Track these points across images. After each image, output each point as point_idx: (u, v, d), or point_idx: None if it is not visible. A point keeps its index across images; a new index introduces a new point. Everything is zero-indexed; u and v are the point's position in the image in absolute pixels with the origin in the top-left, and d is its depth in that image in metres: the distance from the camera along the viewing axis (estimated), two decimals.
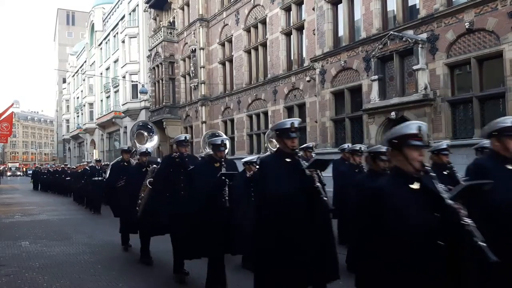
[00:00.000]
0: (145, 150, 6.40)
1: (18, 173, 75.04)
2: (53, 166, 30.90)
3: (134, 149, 7.75)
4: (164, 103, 26.82)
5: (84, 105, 46.40)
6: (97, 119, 41.67)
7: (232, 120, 22.25)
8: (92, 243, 7.84)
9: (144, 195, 5.91)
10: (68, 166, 24.58)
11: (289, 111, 18.33)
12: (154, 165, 6.01)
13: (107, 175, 8.59)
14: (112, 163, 8.60)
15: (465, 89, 11.15)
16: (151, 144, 7.10)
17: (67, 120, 57.01)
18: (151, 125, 7.66)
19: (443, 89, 11.33)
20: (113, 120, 35.80)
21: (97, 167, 14.07)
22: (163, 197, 5.26)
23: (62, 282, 5.23)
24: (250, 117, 20.79)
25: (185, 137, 5.37)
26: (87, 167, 15.17)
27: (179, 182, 5.10)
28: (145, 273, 5.58)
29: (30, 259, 6.54)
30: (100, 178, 13.20)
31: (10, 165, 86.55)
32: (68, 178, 19.92)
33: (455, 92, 11.37)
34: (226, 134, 22.98)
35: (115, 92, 37.40)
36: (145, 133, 7.29)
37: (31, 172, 71.89)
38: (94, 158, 39.57)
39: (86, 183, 14.01)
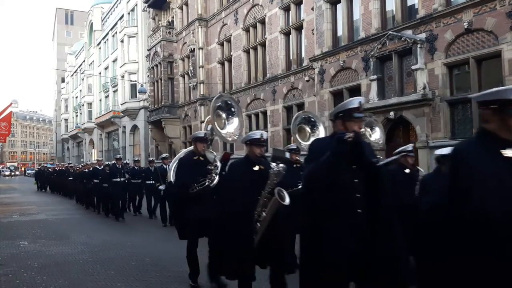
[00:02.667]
0: (259, 137, 4.00)
1: (17, 172, 74.65)
2: (60, 165, 28.49)
3: (212, 136, 5.16)
4: (163, 103, 26.81)
5: (83, 105, 46.38)
6: (96, 118, 41.66)
7: None
8: (90, 243, 7.83)
9: (268, 214, 3.59)
10: (72, 165, 22.03)
11: (288, 110, 18.34)
12: (281, 165, 3.64)
13: (172, 175, 5.47)
14: (179, 155, 5.61)
15: (464, 89, 11.17)
16: (231, 129, 4.96)
17: (66, 120, 56.97)
18: (234, 103, 5.17)
19: (442, 89, 11.34)
20: (112, 119, 35.80)
21: (117, 165, 12.10)
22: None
23: (61, 281, 5.22)
24: (249, 116, 20.78)
25: (360, 102, 2.92)
26: (97, 166, 13.28)
27: (352, 190, 2.75)
28: (143, 273, 5.57)
29: (29, 259, 6.52)
30: (122, 179, 11.66)
31: (8, 164, 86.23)
32: (71, 178, 18.18)
33: (453, 92, 11.39)
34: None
35: (114, 91, 37.38)
36: (223, 114, 4.99)
37: (30, 171, 71.93)
38: (95, 156, 39.58)
39: (100, 184, 12.15)
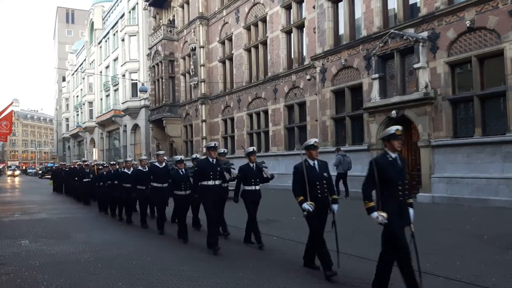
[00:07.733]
0: None
1: (18, 172, 74.52)
2: (74, 162, 22.98)
3: None
4: (164, 102, 26.80)
5: (84, 104, 46.40)
6: (96, 117, 41.68)
7: (232, 119, 22.22)
8: (92, 242, 7.81)
9: None
10: (87, 163, 17.05)
11: (290, 109, 18.31)
12: None
13: None
14: None
15: (466, 87, 11.12)
16: None
17: (67, 119, 57.02)
18: None
19: (444, 87, 11.30)
20: (113, 118, 35.82)
21: (210, 160, 6.69)
22: None
23: (62, 281, 5.20)
24: (250, 115, 20.76)
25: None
26: (157, 164, 9.21)
27: None
28: (144, 273, 5.55)
29: (30, 258, 6.50)
30: (225, 185, 7.25)
31: (9, 163, 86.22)
32: (87, 180, 14.82)
33: (456, 91, 11.35)
34: (225, 133, 22.99)
35: (115, 90, 37.40)
36: None
37: (31, 171, 71.72)
38: (97, 155, 39.48)
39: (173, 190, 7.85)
